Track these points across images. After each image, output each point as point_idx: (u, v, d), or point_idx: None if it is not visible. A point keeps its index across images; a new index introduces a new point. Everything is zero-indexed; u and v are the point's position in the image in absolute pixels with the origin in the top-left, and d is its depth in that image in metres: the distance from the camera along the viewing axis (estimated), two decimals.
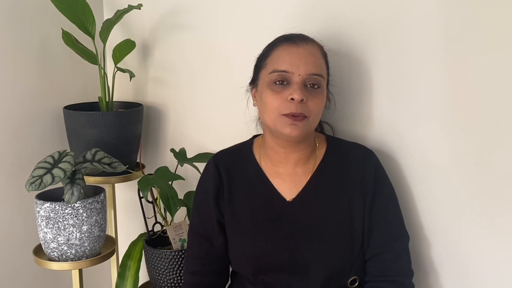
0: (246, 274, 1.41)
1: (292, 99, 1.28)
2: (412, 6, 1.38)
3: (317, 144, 1.43)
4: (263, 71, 1.36)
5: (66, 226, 1.61)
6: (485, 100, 1.30)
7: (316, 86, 1.32)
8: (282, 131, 1.31)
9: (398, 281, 1.36)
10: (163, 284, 1.70)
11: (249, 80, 1.43)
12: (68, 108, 1.87)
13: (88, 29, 1.79)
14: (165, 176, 1.69)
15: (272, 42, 1.38)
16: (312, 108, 1.31)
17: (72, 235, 1.62)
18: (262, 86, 1.35)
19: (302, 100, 1.28)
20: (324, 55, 1.38)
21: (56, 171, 1.56)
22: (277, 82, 1.32)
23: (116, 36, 1.92)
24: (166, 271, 1.68)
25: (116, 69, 1.85)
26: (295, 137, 1.32)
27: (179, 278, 1.68)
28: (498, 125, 1.29)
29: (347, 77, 1.52)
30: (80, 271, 1.71)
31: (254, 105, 1.42)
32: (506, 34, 1.24)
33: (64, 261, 1.66)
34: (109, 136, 1.80)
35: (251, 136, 1.51)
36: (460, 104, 1.34)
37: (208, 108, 1.86)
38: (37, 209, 1.63)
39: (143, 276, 1.87)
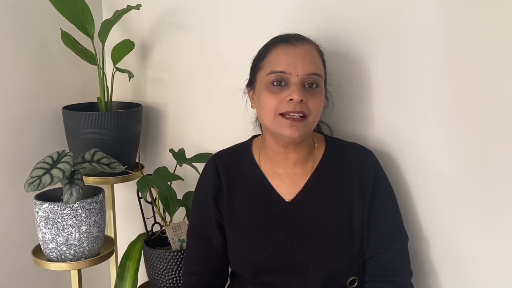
0: (245, 274, 1.41)
1: (291, 99, 1.28)
2: (411, 6, 1.38)
3: (316, 144, 1.42)
4: (260, 72, 1.35)
5: (65, 227, 1.61)
6: (485, 100, 1.30)
7: (314, 86, 1.32)
8: (282, 133, 1.31)
9: (397, 281, 1.36)
10: (162, 285, 1.70)
11: (246, 82, 1.43)
12: (67, 108, 1.87)
13: (87, 30, 1.79)
14: (164, 176, 1.69)
15: (268, 43, 1.38)
16: (311, 107, 1.30)
17: (71, 235, 1.62)
18: (260, 88, 1.35)
19: (301, 100, 1.28)
20: (321, 54, 1.38)
21: (55, 172, 1.56)
22: (275, 83, 1.31)
23: (115, 37, 1.92)
24: (165, 271, 1.68)
25: (115, 70, 1.85)
26: (296, 139, 1.31)
27: (178, 278, 1.68)
28: (498, 125, 1.28)
29: (346, 77, 1.52)
30: (79, 271, 1.71)
31: (252, 107, 1.42)
32: (506, 34, 1.24)
33: (63, 261, 1.66)
34: (108, 136, 1.80)
35: (250, 137, 1.51)
36: (460, 104, 1.34)
37: (207, 108, 1.86)
38: (36, 209, 1.63)
39: (142, 277, 1.87)
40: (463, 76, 1.32)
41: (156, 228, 1.80)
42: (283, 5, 1.62)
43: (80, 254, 1.66)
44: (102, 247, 1.77)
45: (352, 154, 1.41)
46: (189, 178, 1.79)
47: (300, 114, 1.29)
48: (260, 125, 1.44)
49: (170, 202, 1.63)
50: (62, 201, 1.60)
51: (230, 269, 1.51)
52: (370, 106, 1.50)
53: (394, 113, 1.46)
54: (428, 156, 1.41)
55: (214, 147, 1.65)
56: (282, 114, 1.30)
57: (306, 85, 1.31)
